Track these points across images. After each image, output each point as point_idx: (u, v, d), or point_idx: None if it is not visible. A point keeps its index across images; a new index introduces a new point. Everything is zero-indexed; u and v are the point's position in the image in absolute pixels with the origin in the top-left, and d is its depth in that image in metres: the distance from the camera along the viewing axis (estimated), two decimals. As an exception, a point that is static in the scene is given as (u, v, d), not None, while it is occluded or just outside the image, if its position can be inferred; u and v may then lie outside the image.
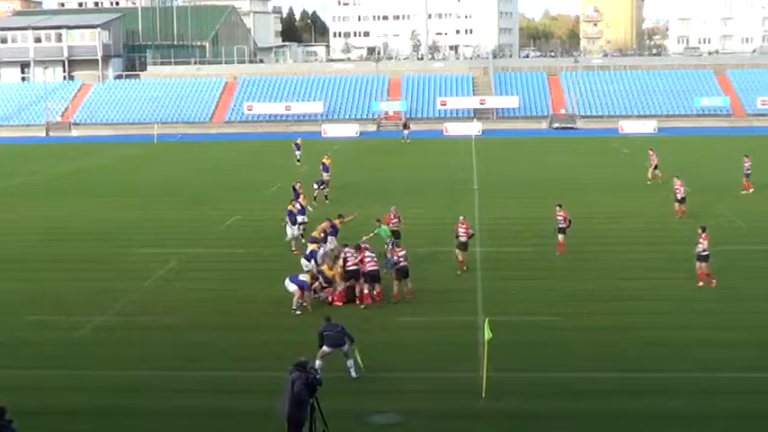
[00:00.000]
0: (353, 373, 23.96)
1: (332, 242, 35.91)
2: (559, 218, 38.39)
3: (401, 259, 31.55)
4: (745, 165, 54.82)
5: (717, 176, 60.16)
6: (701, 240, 32.45)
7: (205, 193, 58.86)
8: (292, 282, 30.77)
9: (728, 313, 29.95)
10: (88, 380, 24.90)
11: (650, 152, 60.83)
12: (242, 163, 76.34)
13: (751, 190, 53.63)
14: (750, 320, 29.11)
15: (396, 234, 37.02)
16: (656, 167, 58.97)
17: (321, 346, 23.88)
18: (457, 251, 35.97)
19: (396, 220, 38.12)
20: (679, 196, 46.32)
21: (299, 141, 73.95)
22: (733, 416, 21.88)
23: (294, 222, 40.21)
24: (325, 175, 56.21)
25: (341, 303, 31.00)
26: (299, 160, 71.20)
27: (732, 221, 45.05)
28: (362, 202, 50.46)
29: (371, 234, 36.74)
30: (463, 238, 35.89)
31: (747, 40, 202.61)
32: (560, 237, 38.30)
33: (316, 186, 51.87)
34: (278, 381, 20.27)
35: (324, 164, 57.81)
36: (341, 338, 23.83)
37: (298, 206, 41.66)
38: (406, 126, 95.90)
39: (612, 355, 26.04)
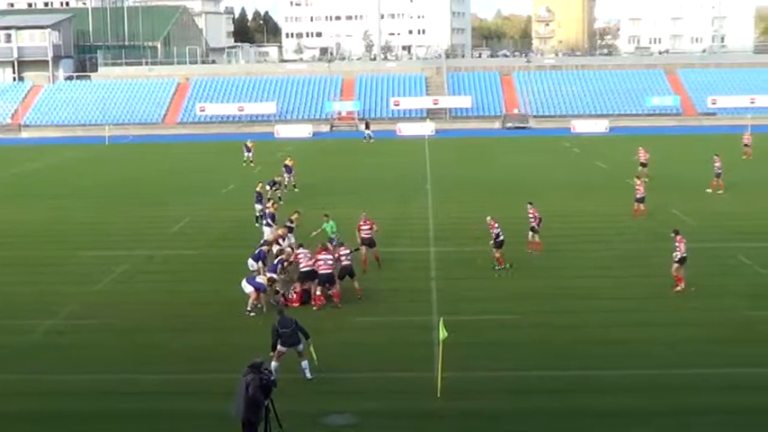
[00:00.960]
0: (308, 374, 23.89)
1: (289, 239, 35.94)
2: (530, 215, 38.42)
3: (344, 258, 31.55)
4: (716, 164, 54.91)
5: (668, 175, 60.57)
6: (677, 244, 32.47)
7: (157, 194, 58.49)
8: (249, 283, 30.62)
9: (680, 310, 30.20)
10: (41, 384, 24.62)
11: (640, 149, 60.54)
12: (195, 164, 75.90)
13: (720, 191, 53.76)
14: (701, 317, 29.40)
15: (368, 241, 35.84)
16: (643, 165, 58.78)
17: (275, 343, 23.76)
18: (493, 250, 35.94)
19: (367, 227, 36.09)
20: (638, 196, 46.64)
21: (249, 143, 73.52)
22: (688, 412, 22.03)
23: (271, 224, 39.77)
24: (287, 177, 56.45)
25: (297, 304, 30.87)
26: (251, 161, 71.04)
27: (682, 220, 45.39)
28: (317, 202, 50.27)
29: (319, 230, 36.91)
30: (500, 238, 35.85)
31: (697, 39, 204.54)
32: (530, 235, 38.50)
33: (268, 188, 51.74)
34: (232, 383, 20.15)
35: (286, 165, 57.93)
36: (296, 336, 23.80)
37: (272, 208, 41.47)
38: (366, 126, 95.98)
39: (567, 353, 26.14)
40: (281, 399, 20.22)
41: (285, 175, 56.91)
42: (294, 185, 56.61)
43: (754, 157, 69.49)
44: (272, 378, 19.64)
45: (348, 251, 32.13)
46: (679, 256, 32.18)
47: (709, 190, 53.87)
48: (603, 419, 21.78)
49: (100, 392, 23.91)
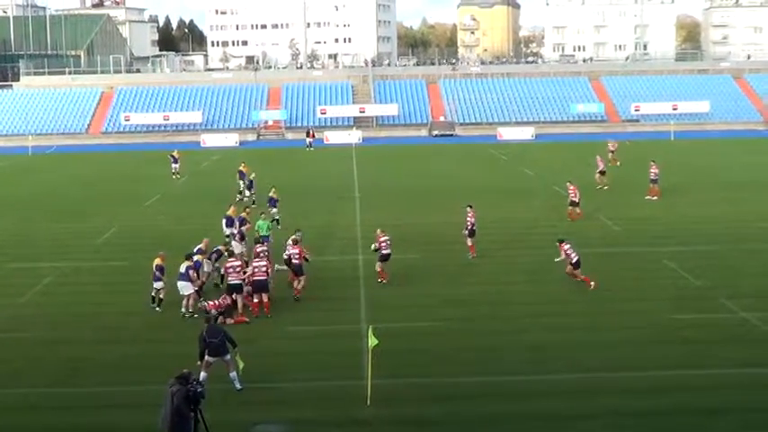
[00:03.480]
0: (237, 385, 23.77)
1: (237, 247, 35.68)
2: (470, 220, 39.10)
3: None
4: (652, 171, 55.26)
5: (594, 181, 61.19)
6: (562, 253, 33.31)
7: (82, 205, 57.75)
8: (186, 282, 30.33)
9: (603, 314, 30.60)
10: (-37, 399, 24.19)
11: (598, 157, 60.93)
12: (120, 174, 75.06)
13: (655, 197, 54.26)
14: (624, 321, 29.80)
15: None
16: (602, 173, 58.90)
17: (203, 353, 23.62)
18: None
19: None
20: (575, 200, 47.32)
21: (175, 154, 72.27)
22: (613, 414, 22.34)
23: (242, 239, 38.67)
24: (240, 183, 56.27)
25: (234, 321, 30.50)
26: (176, 173, 70.21)
27: (607, 225, 45.95)
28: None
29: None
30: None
31: (620, 47, 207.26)
32: (470, 240, 39.18)
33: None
34: (161, 394, 19.96)
35: (240, 171, 57.63)
36: (223, 346, 23.67)
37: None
38: (309, 134, 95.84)
39: (494, 359, 26.37)
40: (212, 409, 20.08)
41: (239, 180, 57.19)
42: (240, 192, 56.34)
43: (677, 162, 70.51)
44: (200, 390, 19.42)
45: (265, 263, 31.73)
46: (569, 260, 33.62)
47: (648, 197, 54.32)
48: (530, 423, 21.99)
49: (26, 407, 23.57)
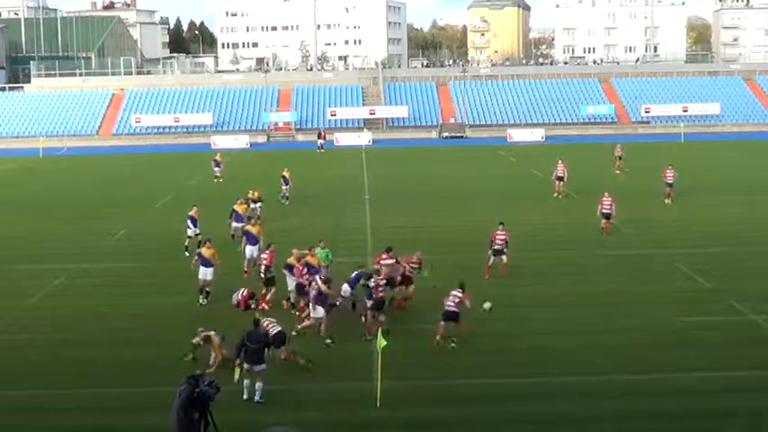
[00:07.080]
0: (257, 397, 23.38)
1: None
2: (499, 239, 36.46)
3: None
4: (668, 174, 54.69)
5: (602, 182, 60.97)
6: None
7: (93, 207, 57.82)
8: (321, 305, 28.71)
9: (613, 317, 30.53)
10: (-27, 400, 24.22)
11: (559, 162, 57.95)
12: (130, 176, 75.19)
13: (669, 200, 54.00)
14: (633, 323, 29.75)
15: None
16: (560, 179, 56.64)
17: (238, 353, 23.38)
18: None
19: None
20: (608, 211, 44.64)
21: (218, 158, 71.05)
22: (617, 417, 22.35)
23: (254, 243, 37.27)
24: (284, 188, 56.08)
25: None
26: (219, 177, 68.77)
27: (617, 228, 45.81)
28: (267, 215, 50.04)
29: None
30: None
31: (631, 49, 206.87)
32: (496, 258, 36.56)
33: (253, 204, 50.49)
34: (169, 397, 19.93)
35: (284, 176, 57.08)
36: (259, 355, 23.32)
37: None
38: (320, 136, 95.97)
39: (503, 361, 26.31)
40: (222, 410, 20.05)
41: (283, 186, 56.46)
42: (287, 197, 56.01)
43: (687, 164, 70.25)
44: (208, 391, 19.21)
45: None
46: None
47: (667, 200, 54.13)
48: (540, 426, 21.94)
49: (35, 408, 23.57)
